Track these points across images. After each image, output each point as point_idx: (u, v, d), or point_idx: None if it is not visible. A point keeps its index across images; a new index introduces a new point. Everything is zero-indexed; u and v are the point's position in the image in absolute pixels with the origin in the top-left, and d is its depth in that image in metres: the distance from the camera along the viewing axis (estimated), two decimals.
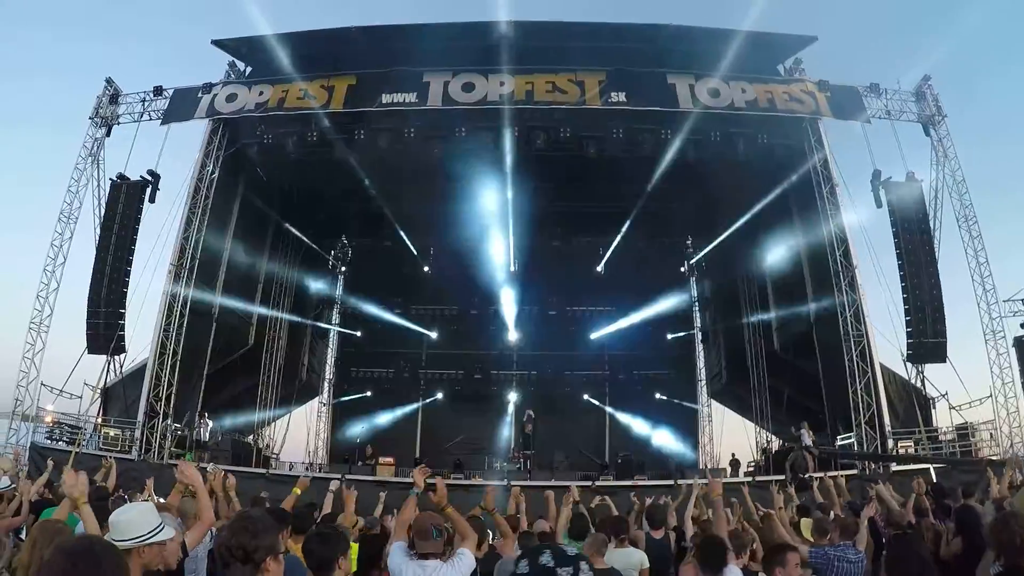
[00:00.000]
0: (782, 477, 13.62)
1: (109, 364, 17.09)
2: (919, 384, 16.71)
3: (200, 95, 17.48)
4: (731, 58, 15.96)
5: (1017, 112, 31.65)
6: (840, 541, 5.03)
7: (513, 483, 13.71)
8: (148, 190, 17.51)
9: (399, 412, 22.17)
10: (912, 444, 16.14)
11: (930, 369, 16.74)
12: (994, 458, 14.05)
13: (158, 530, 2.77)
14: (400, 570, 3.81)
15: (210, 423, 16.65)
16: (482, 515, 5.80)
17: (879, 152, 17.25)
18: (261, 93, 17.12)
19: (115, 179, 17.71)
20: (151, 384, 15.75)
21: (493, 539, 5.83)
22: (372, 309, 23.02)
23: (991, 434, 16.07)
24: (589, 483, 14.13)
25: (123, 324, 16.89)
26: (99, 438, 16.08)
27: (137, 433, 15.50)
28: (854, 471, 14.75)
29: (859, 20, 33.98)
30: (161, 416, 15.68)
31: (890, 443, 15.68)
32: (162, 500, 5.03)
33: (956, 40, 31.29)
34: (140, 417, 15.61)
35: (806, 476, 14.09)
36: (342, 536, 3.11)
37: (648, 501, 7.83)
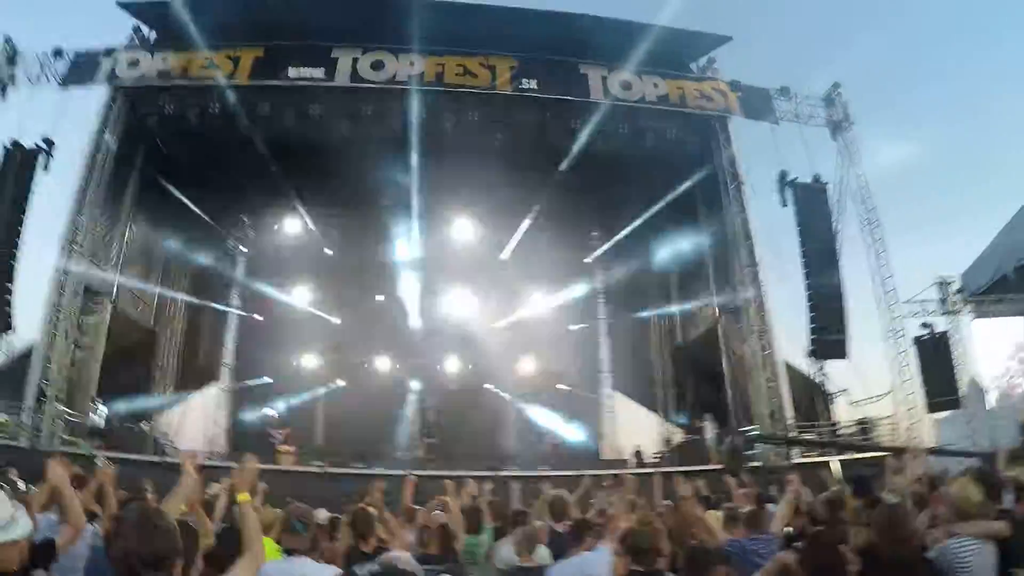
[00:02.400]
0: (687, 469, 13.69)
1: None
2: (819, 380, 17.08)
3: (101, 59, 16.68)
4: (645, 52, 15.95)
5: (916, 122, 33.13)
6: (747, 533, 4.90)
7: (413, 473, 13.57)
8: (42, 158, 16.62)
9: (300, 399, 21.62)
10: (815, 437, 16.50)
11: (830, 366, 17.14)
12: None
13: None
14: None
15: (105, 409, 15.89)
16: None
17: (786, 154, 17.47)
18: (164, 60, 16.48)
19: (8, 146, 16.75)
20: (41, 366, 14.88)
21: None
22: (274, 292, 22.27)
23: (891, 428, 16.51)
24: (491, 473, 14.00)
25: (10, 300, 15.98)
26: None
27: (25, 418, 14.63)
28: (757, 463, 14.92)
29: (773, 25, 35.14)
30: (52, 400, 14.89)
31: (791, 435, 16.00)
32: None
33: (867, 51, 32.72)
34: (29, 402, 14.76)
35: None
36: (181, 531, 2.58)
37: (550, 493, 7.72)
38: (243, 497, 3.00)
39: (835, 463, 13.34)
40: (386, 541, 5.11)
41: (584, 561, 4.70)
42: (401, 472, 13.43)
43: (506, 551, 5.46)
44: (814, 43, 35.06)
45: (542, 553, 5.32)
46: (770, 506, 5.97)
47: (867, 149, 18.26)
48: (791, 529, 5.16)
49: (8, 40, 17.40)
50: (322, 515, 6.27)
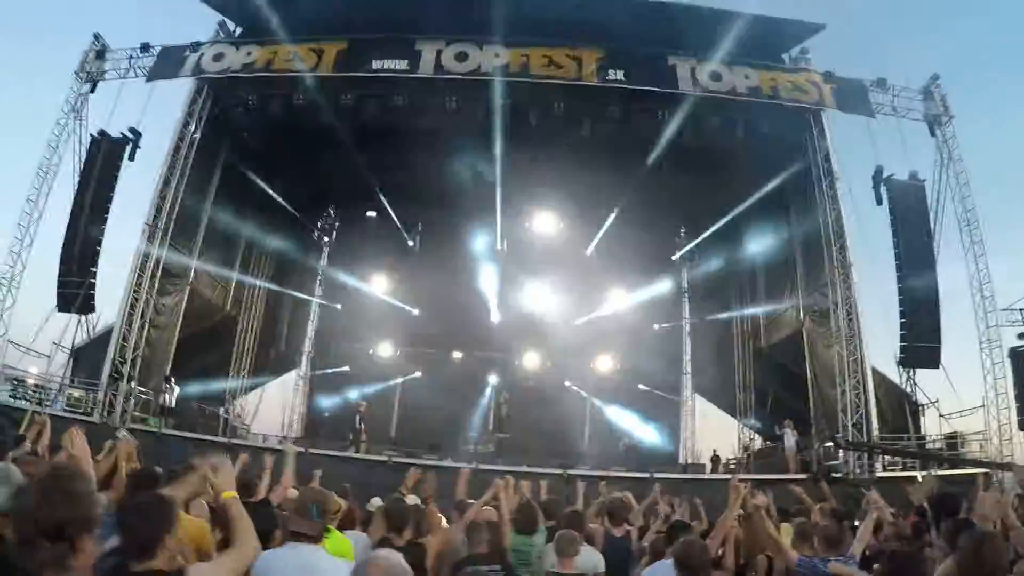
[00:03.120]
0: (762, 477, 13.28)
1: (79, 324, 16.67)
2: (909, 389, 16.33)
3: (187, 54, 16.96)
4: (735, 42, 15.37)
5: (1020, 114, 30.84)
6: (824, 552, 4.39)
7: (481, 467, 13.42)
8: (128, 148, 17.03)
9: (377, 389, 21.68)
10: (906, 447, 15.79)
11: (921, 375, 16.35)
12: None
13: None
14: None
15: (176, 389, 16.17)
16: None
17: (882, 150, 16.71)
18: (249, 54, 16.64)
19: (95, 135, 17.21)
20: (117, 345, 15.29)
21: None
22: (354, 282, 22.33)
23: (980, 445, 15.67)
24: (562, 471, 13.78)
25: (93, 282, 16.41)
26: (64, 399, 15.66)
27: (100, 395, 15.07)
28: (837, 474, 14.50)
29: (868, 11, 33.22)
30: (126, 379, 15.28)
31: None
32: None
33: (967, 40, 30.79)
34: (103, 379, 15.18)
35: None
36: (167, 507, 2.51)
37: (613, 495, 7.38)
38: (227, 495, 2.85)
39: (921, 477, 12.70)
40: (421, 535, 4.79)
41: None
42: (467, 465, 13.39)
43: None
44: (912, 30, 33.04)
45: (585, 560, 4.91)
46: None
47: (967, 144, 17.28)
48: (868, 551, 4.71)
49: (97, 36, 17.88)
50: (375, 503, 6.20)
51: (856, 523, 5.47)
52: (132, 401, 15.21)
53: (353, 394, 20.47)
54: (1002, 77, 30.00)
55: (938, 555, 4.25)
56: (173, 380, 16.30)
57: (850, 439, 15.04)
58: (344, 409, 20.41)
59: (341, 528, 5.01)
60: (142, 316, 15.69)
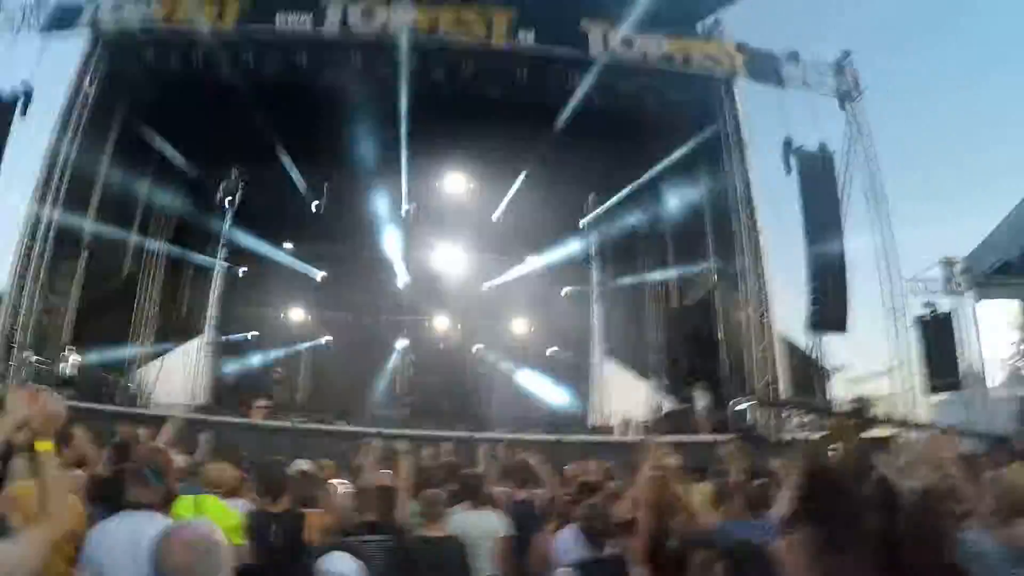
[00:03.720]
0: (677, 439, 13.22)
1: None
2: (816, 356, 16.59)
3: (83, 4, 16.17)
4: (649, 10, 15.23)
5: (927, 91, 31.78)
6: (744, 514, 4.21)
7: (385, 431, 13.15)
8: (20, 104, 16.11)
9: (285, 354, 21.24)
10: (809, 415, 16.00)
11: (829, 342, 16.65)
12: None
13: None
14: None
15: (76, 358, 15.46)
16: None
17: (792, 122, 16.83)
18: (148, 6, 15.90)
19: None
20: (9, 313, 14.57)
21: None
22: (258, 245, 21.70)
23: (888, 408, 16.07)
24: (468, 435, 13.55)
25: None
26: None
27: None
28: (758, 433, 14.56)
29: None
30: (18, 348, 14.55)
31: (784, 412, 15.53)
32: None
33: (878, 17, 31.49)
34: None
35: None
36: None
37: (515, 457, 7.02)
38: (43, 445, 2.29)
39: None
40: (303, 504, 4.60)
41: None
42: (373, 430, 13.11)
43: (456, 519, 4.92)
44: (825, 6, 33.47)
45: (484, 522, 4.87)
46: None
47: (876, 119, 17.61)
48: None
49: None
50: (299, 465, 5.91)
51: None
52: (29, 372, 14.43)
53: (257, 360, 20.00)
54: (910, 54, 30.75)
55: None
56: (71, 348, 15.59)
57: (773, 397, 15.24)
58: (250, 376, 19.91)
59: (229, 497, 4.71)
60: (36, 283, 14.96)
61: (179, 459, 4.77)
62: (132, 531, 2.83)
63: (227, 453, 5.86)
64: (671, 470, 4.26)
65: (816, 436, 13.22)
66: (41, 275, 15.02)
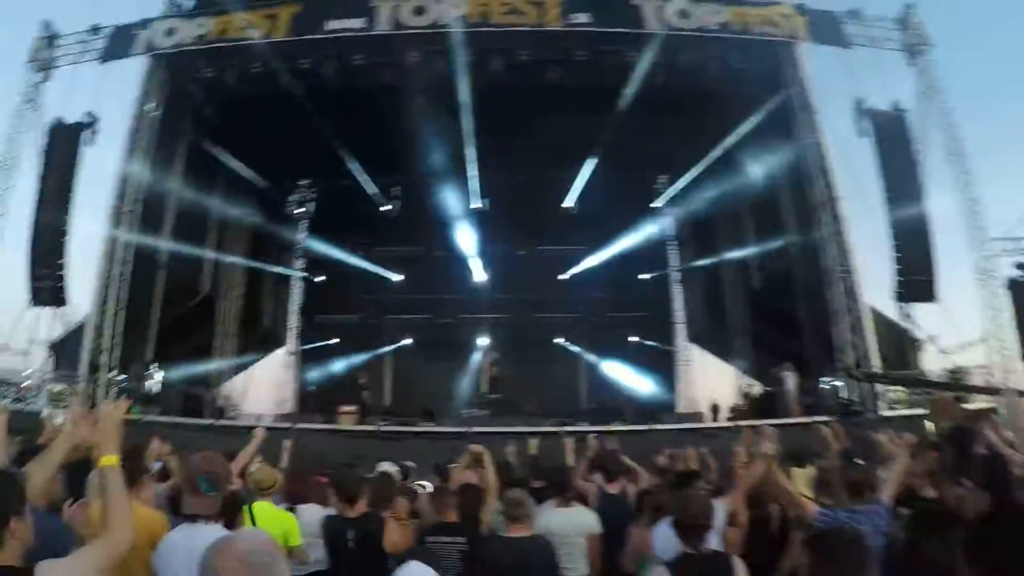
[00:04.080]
0: (771, 422, 12.81)
1: (56, 318, 16.30)
2: (905, 326, 15.85)
3: (138, 31, 16.51)
4: None
5: (1008, 43, 29.88)
6: (849, 501, 3.76)
7: (476, 428, 13.05)
8: (87, 132, 16.58)
9: (367, 359, 21.32)
10: (902, 390, 15.34)
11: (917, 311, 15.89)
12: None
13: None
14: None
15: (159, 374, 15.81)
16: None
17: (860, 82, 16.11)
18: (201, 26, 16.17)
19: (53, 124, 16.76)
20: (94, 336, 14.97)
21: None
22: (334, 252, 21.82)
23: (985, 380, 15.22)
24: (557, 429, 13.35)
25: (61, 274, 16.01)
26: (46, 395, 15.33)
27: (80, 387, 14.72)
28: (855, 411, 13.97)
29: None
30: (104, 368, 14.96)
31: (878, 388, 14.86)
32: None
33: None
34: (82, 371, 14.84)
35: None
36: (10, 485, 2.11)
37: (604, 448, 6.81)
38: (107, 460, 2.29)
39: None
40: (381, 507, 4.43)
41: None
42: (458, 429, 13.00)
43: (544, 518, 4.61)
44: None
45: (576, 520, 4.60)
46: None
47: (948, 70, 16.74)
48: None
49: (47, 24, 17.41)
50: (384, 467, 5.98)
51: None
52: (114, 391, 14.79)
53: (340, 366, 20.21)
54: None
55: (965, 493, 3.67)
56: (155, 366, 15.96)
57: (867, 371, 14.63)
58: (335, 383, 20.11)
59: (295, 502, 4.75)
60: (117, 303, 15.32)
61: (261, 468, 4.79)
62: (188, 543, 2.76)
63: (310, 459, 5.88)
64: (771, 457, 4.07)
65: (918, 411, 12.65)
66: (122, 296, 15.34)
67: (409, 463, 7.45)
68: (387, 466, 6.22)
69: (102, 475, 2.28)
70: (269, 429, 6.22)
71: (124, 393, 14.94)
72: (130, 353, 15.59)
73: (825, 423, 8.31)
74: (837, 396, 14.56)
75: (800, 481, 4.99)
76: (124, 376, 15.25)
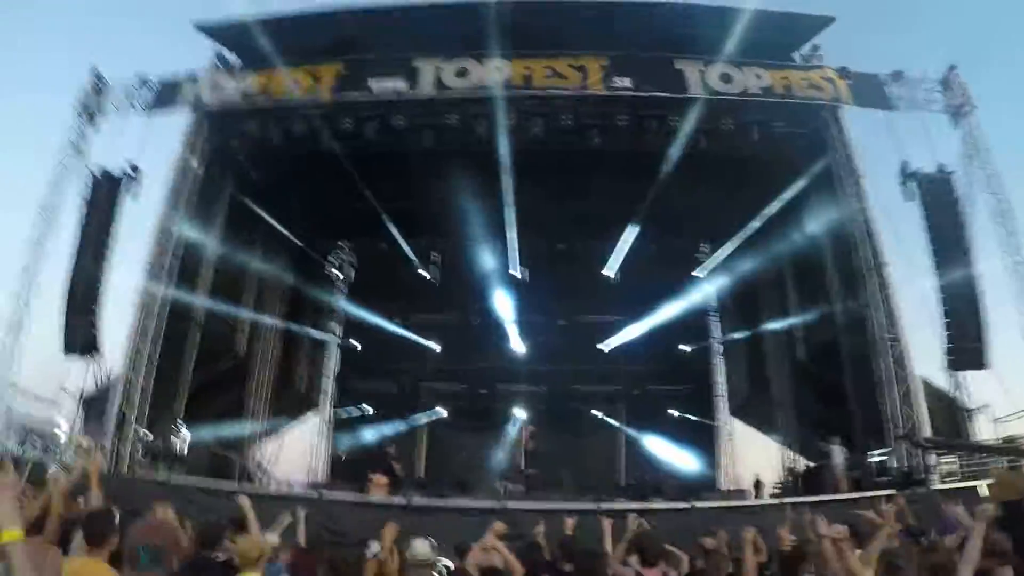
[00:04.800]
0: (814, 499, 12.38)
1: (88, 371, 16.17)
2: (956, 395, 15.29)
3: (184, 84, 16.72)
4: (743, 42, 14.71)
5: None
6: None
7: (510, 504, 12.62)
8: (129, 185, 16.69)
9: (400, 428, 21.10)
10: (955, 460, 14.69)
11: (969, 379, 15.33)
12: None
13: None
14: None
15: (188, 434, 15.55)
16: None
17: (903, 146, 15.80)
18: (246, 82, 16.30)
19: (96, 174, 16.89)
20: (124, 390, 14.74)
21: None
22: (370, 317, 21.73)
23: None
24: (595, 506, 12.88)
25: (94, 321, 15.90)
26: (71, 448, 15.14)
27: (107, 443, 14.46)
28: (891, 491, 13.53)
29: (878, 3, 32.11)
30: (131, 424, 14.72)
31: (932, 459, 14.23)
32: None
33: (982, 26, 29.66)
34: (110, 426, 14.61)
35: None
36: None
37: (644, 527, 6.31)
38: (8, 535, 2.01)
39: (983, 488, 11.66)
40: None
41: None
42: (493, 505, 12.56)
43: None
44: (924, 19, 31.71)
45: None
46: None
47: (991, 132, 16.52)
48: None
49: (95, 71, 17.69)
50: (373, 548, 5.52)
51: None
52: (139, 448, 14.55)
53: (372, 434, 19.82)
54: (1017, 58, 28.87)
55: None
56: (183, 426, 15.72)
57: (928, 437, 14.03)
58: (366, 451, 19.78)
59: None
60: (149, 359, 15.10)
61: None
62: None
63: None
64: (840, 541, 3.81)
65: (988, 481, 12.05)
66: (154, 352, 15.11)
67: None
68: (419, 545, 5.85)
69: (6, 552, 2.01)
70: (290, 499, 5.97)
71: (150, 452, 14.77)
72: (159, 411, 15.33)
73: (887, 497, 7.86)
74: (897, 466, 13.96)
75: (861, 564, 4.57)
76: (151, 434, 15.00)
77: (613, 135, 15.51)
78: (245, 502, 5.17)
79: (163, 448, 15.10)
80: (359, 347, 22.80)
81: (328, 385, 23.36)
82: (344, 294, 22.97)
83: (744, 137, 15.36)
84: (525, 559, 4.64)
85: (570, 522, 6.70)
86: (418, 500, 13.15)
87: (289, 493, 14.55)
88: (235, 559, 3.80)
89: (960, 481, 13.61)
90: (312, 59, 16.02)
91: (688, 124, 14.81)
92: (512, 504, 12.64)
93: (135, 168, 16.66)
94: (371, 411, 21.81)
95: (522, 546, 5.05)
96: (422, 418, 21.86)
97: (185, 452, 15.44)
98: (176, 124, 17.04)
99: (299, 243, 19.62)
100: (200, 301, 16.63)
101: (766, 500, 15.05)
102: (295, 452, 20.84)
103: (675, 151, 15.16)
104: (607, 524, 5.92)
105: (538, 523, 6.48)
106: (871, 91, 15.94)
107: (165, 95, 16.89)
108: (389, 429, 20.86)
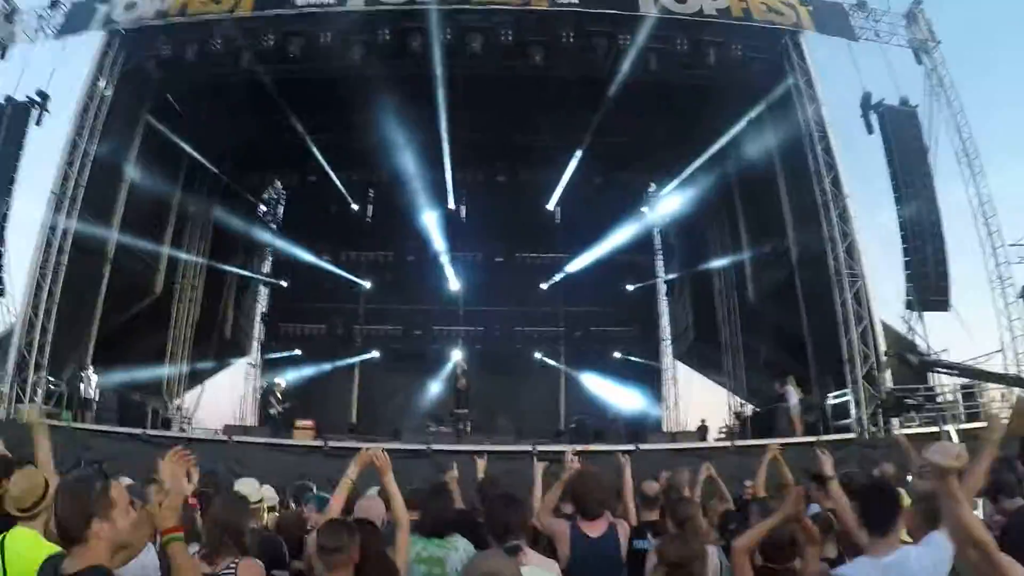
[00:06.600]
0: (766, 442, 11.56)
1: None
2: (915, 337, 14.62)
3: (98, 5, 15.33)
4: None
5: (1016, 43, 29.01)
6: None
7: (434, 447, 11.78)
8: (34, 112, 15.31)
9: (332, 372, 20.02)
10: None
11: (929, 322, 14.69)
12: None
13: None
14: None
15: (95, 378, 14.32)
16: None
17: (867, 78, 15.20)
18: (163, 0, 14.99)
19: (1, 103, 15.50)
20: (23, 331, 13.48)
21: None
22: (301, 255, 20.41)
23: (1002, 394, 13.99)
24: (531, 448, 11.96)
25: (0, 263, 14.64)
26: None
27: (5, 388, 13.22)
28: (849, 435, 12.71)
29: None
30: (33, 368, 13.48)
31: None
32: None
33: None
34: (9, 369, 13.35)
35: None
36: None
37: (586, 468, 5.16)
38: (169, 537, 2.42)
39: (954, 434, 10.93)
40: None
41: None
42: (419, 447, 11.74)
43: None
44: None
45: None
46: None
47: (957, 70, 15.91)
48: None
49: None
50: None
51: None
52: (40, 392, 13.37)
53: (302, 378, 18.72)
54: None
55: None
56: (92, 370, 14.48)
57: (924, 356, 13.20)
58: (297, 395, 18.43)
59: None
60: (50, 296, 13.85)
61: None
62: None
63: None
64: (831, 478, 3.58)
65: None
66: (57, 291, 13.86)
67: (309, 483, 6.16)
68: (247, 484, 4.97)
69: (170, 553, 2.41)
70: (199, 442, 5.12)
71: (54, 397, 13.56)
72: (66, 354, 14.12)
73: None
74: (831, 416, 13.29)
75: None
76: (53, 378, 13.75)
77: (557, 54, 14.47)
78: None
79: (69, 394, 13.85)
80: (289, 288, 21.67)
81: (256, 328, 22.27)
82: (272, 231, 21.69)
83: (699, 59, 14.39)
84: (427, 507, 3.62)
85: (481, 463, 5.63)
86: (335, 443, 12.18)
87: (195, 438, 13.42)
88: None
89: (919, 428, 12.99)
90: None
91: (637, 43, 13.75)
92: (438, 446, 11.70)
93: (42, 94, 15.39)
94: (300, 353, 20.66)
95: (424, 491, 3.94)
96: (354, 360, 20.89)
97: (95, 397, 14.18)
98: (91, 49, 15.76)
99: (223, 176, 18.39)
100: (112, 234, 15.26)
101: (720, 443, 14.25)
102: (221, 398, 19.71)
103: (623, 73, 14.09)
104: (539, 467, 4.88)
105: (450, 467, 5.44)
106: (834, 19, 15.37)
107: (76, 17, 15.57)
108: (319, 372, 19.76)
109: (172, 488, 2.53)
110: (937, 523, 2.50)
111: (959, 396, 13.81)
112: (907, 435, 12.20)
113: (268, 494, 5.37)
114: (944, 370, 12.55)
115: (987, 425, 4.09)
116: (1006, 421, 4.21)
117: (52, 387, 13.63)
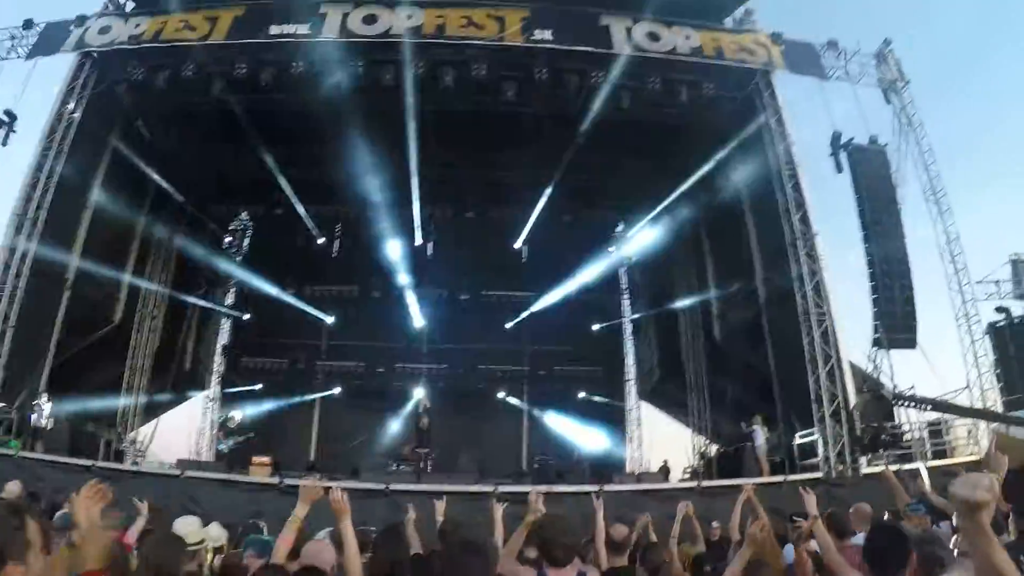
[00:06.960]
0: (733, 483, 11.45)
1: None
2: (880, 376, 14.59)
3: (72, 28, 15.24)
4: (672, 2, 14.19)
5: (979, 73, 29.68)
6: None
7: (393, 487, 11.46)
8: (1, 132, 15.05)
9: (292, 408, 19.63)
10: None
11: (895, 359, 14.71)
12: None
13: None
14: None
15: (48, 406, 13.82)
16: None
17: (837, 117, 15.49)
18: (138, 25, 14.92)
19: None
20: None
21: None
22: (264, 288, 20.16)
23: (968, 431, 13.95)
24: (492, 489, 11.62)
25: None
26: None
27: None
28: (817, 474, 12.57)
29: None
30: None
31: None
32: None
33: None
34: None
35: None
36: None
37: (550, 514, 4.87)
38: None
39: (924, 471, 10.77)
40: None
41: None
42: (376, 487, 11.44)
43: None
44: None
45: None
46: None
47: (925, 111, 16.25)
48: None
49: None
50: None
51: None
52: None
53: (261, 413, 18.24)
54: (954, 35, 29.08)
55: None
56: (45, 397, 13.98)
57: (899, 391, 13.26)
58: (256, 431, 17.98)
59: None
60: (6, 320, 13.44)
61: None
62: None
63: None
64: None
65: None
66: (12, 313, 13.44)
67: (260, 522, 5.82)
68: (187, 523, 4.64)
69: None
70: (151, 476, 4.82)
71: (3, 424, 13.04)
72: (20, 381, 13.63)
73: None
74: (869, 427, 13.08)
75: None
76: (3, 405, 13.25)
77: (530, 90, 14.52)
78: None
79: (18, 421, 13.32)
80: (252, 321, 21.39)
81: (216, 361, 21.87)
82: (237, 262, 21.37)
83: (672, 98, 14.49)
84: (380, 551, 3.50)
85: (440, 505, 5.49)
86: (291, 480, 11.77)
87: (147, 471, 12.94)
88: None
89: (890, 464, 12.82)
90: (211, 3, 14.73)
91: (610, 81, 13.83)
92: (397, 486, 11.36)
93: (10, 114, 15.18)
94: (260, 388, 20.30)
95: (381, 535, 3.71)
96: (315, 397, 20.59)
97: (47, 426, 13.65)
98: (63, 71, 15.61)
99: (189, 204, 18.19)
100: (73, 260, 14.89)
101: (685, 484, 13.98)
102: (177, 432, 19.15)
103: (595, 111, 14.12)
104: (498, 510, 4.71)
105: (406, 509, 5.29)
106: (805, 59, 15.69)
107: (50, 39, 15.43)
108: (279, 408, 19.37)
109: (86, 527, 2.35)
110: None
111: (925, 434, 13.78)
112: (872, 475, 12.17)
113: (213, 533, 5.09)
114: (918, 405, 12.50)
115: (988, 460, 3.97)
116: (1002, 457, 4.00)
117: (3, 415, 13.10)
